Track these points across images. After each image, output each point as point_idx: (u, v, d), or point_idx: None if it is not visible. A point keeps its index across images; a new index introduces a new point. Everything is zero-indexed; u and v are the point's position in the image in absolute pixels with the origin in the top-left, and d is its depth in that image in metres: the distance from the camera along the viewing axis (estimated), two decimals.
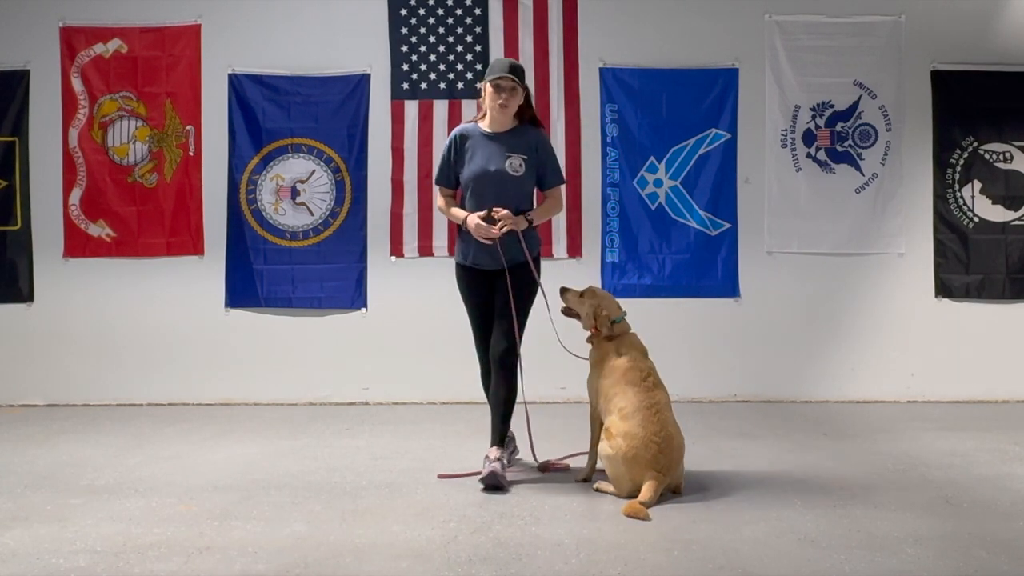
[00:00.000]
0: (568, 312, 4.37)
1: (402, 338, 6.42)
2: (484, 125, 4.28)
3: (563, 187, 4.50)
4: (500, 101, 4.16)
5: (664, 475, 3.78)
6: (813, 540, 3.33)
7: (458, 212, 4.27)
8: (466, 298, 4.36)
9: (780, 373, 6.45)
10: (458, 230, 4.36)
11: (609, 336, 4.16)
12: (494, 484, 4.00)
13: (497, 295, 4.26)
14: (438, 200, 4.46)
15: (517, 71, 4.20)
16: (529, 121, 4.30)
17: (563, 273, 6.48)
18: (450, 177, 4.32)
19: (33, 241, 6.55)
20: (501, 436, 4.22)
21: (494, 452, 4.17)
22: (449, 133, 6.43)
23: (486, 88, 4.20)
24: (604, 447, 3.91)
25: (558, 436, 5.12)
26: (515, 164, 4.21)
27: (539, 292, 4.32)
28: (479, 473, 4.10)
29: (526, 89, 4.25)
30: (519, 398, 4.26)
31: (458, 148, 4.26)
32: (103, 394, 6.46)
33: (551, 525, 3.52)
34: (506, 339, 4.18)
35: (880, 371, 6.44)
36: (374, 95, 6.51)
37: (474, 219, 4.16)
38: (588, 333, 4.27)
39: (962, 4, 6.49)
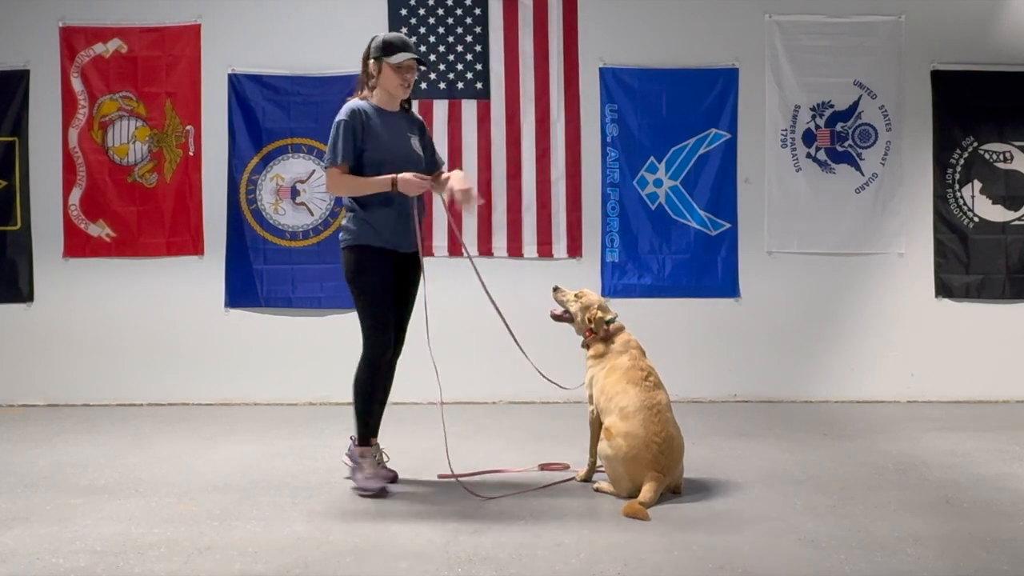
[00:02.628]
0: (559, 317, 4.34)
1: None
2: (377, 103, 4.11)
3: None
4: (404, 83, 4.08)
5: (664, 476, 3.78)
6: (813, 540, 3.33)
7: (381, 178, 3.97)
8: (377, 283, 4.03)
9: (780, 373, 6.45)
10: (361, 208, 4.03)
11: (605, 336, 4.15)
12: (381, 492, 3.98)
13: (405, 284, 4.19)
14: (339, 179, 4.01)
15: (413, 48, 4.12)
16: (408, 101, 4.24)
17: (563, 273, 6.49)
18: (354, 154, 4.00)
19: (33, 241, 6.55)
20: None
21: (370, 452, 4.08)
22: (446, 133, 6.51)
23: (384, 67, 4.04)
24: (604, 447, 3.91)
25: (558, 436, 5.12)
26: (415, 144, 4.17)
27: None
28: (479, 473, 4.10)
29: None
30: (439, 398, 4.24)
31: (364, 124, 4.01)
32: (103, 394, 6.46)
33: (551, 525, 3.52)
34: (403, 334, 4.22)
35: (880, 371, 6.44)
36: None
37: (411, 175, 3.96)
38: (581, 338, 4.25)
39: (962, 4, 6.49)
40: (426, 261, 6.44)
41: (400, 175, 3.94)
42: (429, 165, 4.25)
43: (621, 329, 4.19)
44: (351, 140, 3.98)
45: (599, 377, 4.08)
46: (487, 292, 4.27)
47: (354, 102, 4.07)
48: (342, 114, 4.02)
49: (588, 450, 4.19)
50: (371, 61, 4.07)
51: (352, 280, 4.06)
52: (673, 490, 3.91)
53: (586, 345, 4.23)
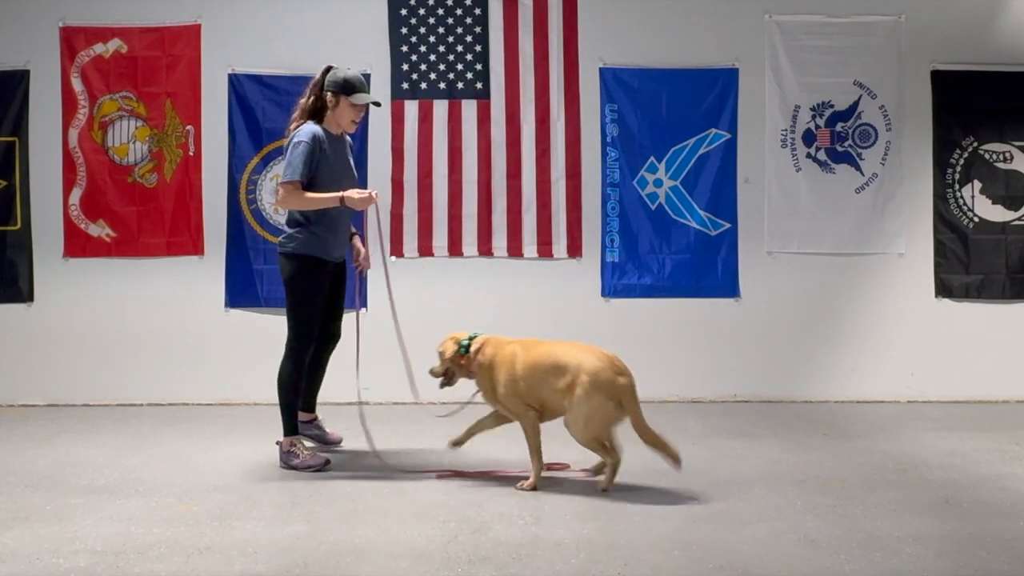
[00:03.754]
0: (443, 377, 4.35)
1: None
2: (327, 127, 4.54)
3: None
4: (357, 120, 4.59)
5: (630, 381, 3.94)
6: (813, 540, 3.33)
7: (328, 194, 4.41)
8: (315, 290, 4.56)
9: (780, 373, 6.45)
10: (310, 223, 4.49)
11: (477, 351, 4.20)
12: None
13: (338, 287, 4.74)
14: (295, 194, 4.43)
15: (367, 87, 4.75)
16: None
17: (563, 273, 6.51)
18: (308, 174, 4.43)
19: (33, 241, 6.55)
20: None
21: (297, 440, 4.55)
22: (446, 133, 6.52)
23: (342, 102, 4.49)
24: (570, 404, 3.92)
25: (558, 436, 5.12)
26: (351, 163, 4.73)
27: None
28: (479, 473, 4.11)
29: None
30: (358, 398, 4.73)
31: (321, 149, 4.46)
32: (103, 394, 6.46)
33: (551, 525, 3.52)
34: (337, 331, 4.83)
35: (880, 371, 6.44)
36: (374, 95, 6.49)
37: (358, 192, 4.41)
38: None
39: (962, 4, 6.49)
40: (426, 261, 6.55)
41: (346, 193, 4.38)
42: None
43: (486, 338, 4.25)
44: (309, 161, 4.40)
45: (501, 379, 4.10)
46: (390, 293, 4.75)
47: (313, 127, 4.46)
48: (304, 136, 4.42)
49: (533, 453, 4.11)
50: (328, 93, 4.49)
51: (292, 284, 4.55)
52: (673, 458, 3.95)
53: (472, 374, 4.25)
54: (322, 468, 4.45)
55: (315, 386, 4.88)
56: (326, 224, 4.52)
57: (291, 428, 4.54)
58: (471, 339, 4.25)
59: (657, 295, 6.49)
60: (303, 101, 4.57)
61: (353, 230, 4.80)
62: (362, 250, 4.86)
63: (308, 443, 4.73)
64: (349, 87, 4.49)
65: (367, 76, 6.46)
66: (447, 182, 6.50)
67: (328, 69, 4.55)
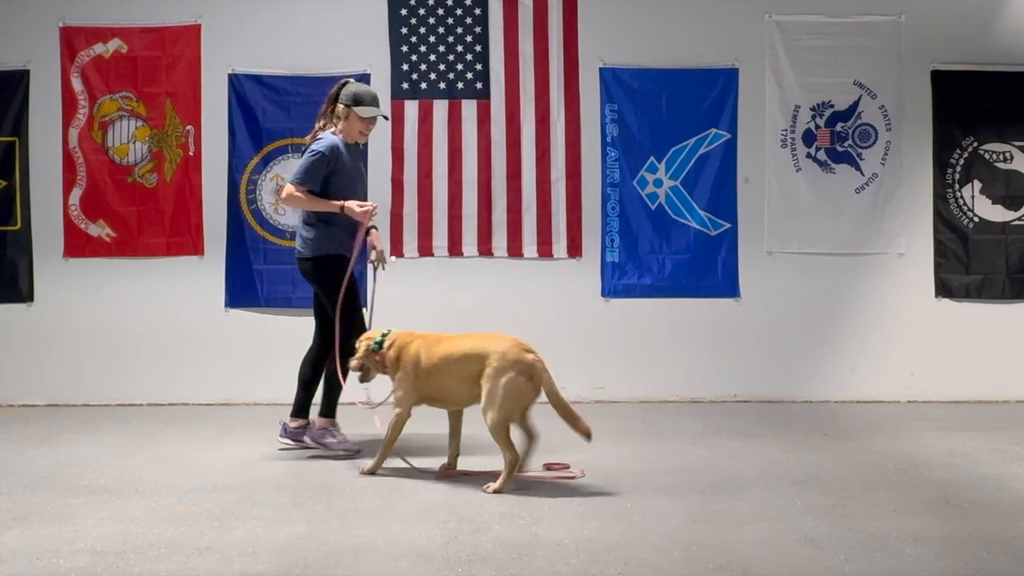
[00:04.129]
0: (362, 372, 4.42)
1: None
2: (344, 137, 4.77)
3: None
4: (366, 132, 4.83)
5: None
6: (813, 540, 3.33)
7: (333, 202, 4.66)
8: (341, 281, 4.69)
9: (780, 373, 6.45)
10: (324, 224, 4.70)
11: (390, 347, 4.30)
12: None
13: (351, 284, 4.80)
14: (297, 195, 4.65)
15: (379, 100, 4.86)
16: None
17: (563, 273, 6.51)
18: (320, 183, 4.68)
19: (33, 241, 6.55)
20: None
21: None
22: (446, 133, 6.53)
23: (352, 114, 4.72)
24: (483, 389, 4.01)
25: (558, 436, 5.12)
26: (362, 169, 5.00)
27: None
28: (479, 473, 4.11)
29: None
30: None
31: (337, 159, 4.70)
32: (103, 394, 6.46)
33: (551, 525, 3.52)
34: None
35: (880, 371, 6.44)
36: (378, 94, 6.49)
37: (359, 204, 4.67)
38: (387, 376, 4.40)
39: (962, 4, 6.49)
40: (426, 261, 6.56)
41: (347, 203, 4.64)
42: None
43: (398, 333, 4.37)
44: (322, 171, 4.65)
45: (409, 371, 4.24)
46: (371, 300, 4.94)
47: (333, 138, 4.70)
48: (322, 147, 4.66)
49: (387, 446, 4.31)
50: (341, 106, 4.73)
51: (322, 287, 4.74)
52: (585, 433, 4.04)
53: (386, 369, 4.34)
54: (354, 454, 4.74)
55: (313, 393, 4.94)
56: (338, 222, 4.70)
57: (332, 410, 4.83)
58: (384, 336, 4.36)
59: (657, 295, 6.49)
60: (322, 108, 4.85)
61: (372, 225, 4.85)
62: (377, 246, 4.93)
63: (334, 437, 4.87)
64: (357, 100, 4.72)
65: (367, 76, 6.47)
66: (447, 182, 6.51)
67: (344, 83, 4.82)
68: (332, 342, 4.69)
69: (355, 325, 4.71)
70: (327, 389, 4.83)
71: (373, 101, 4.79)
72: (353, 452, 4.77)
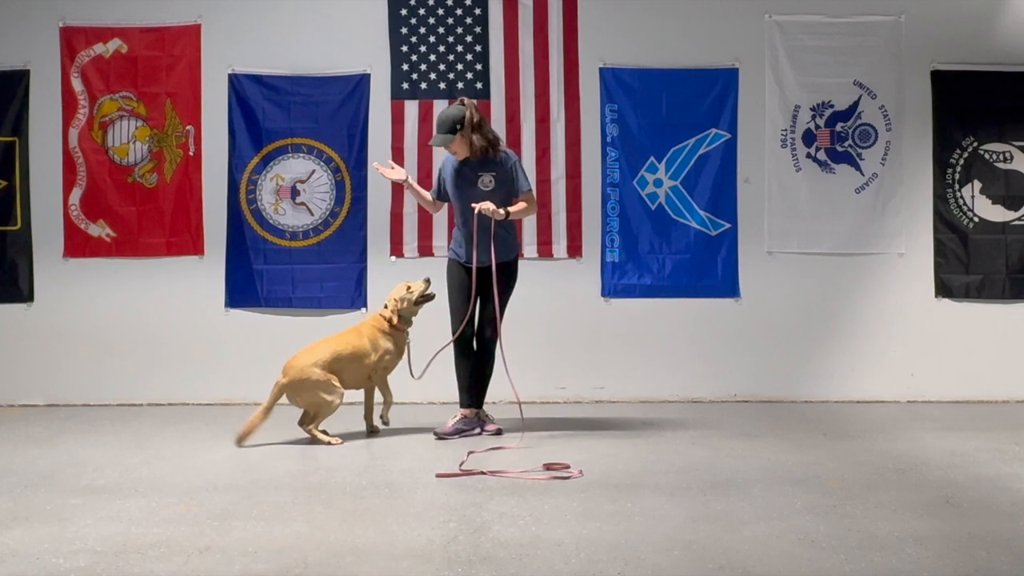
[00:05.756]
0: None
1: None
2: (457, 156, 5.20)
3: (532, 191, 5.35)
4: (448, 151, 5.21)
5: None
6: (813, 540, 3.33)
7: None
8: (452, 288, 5.32)
9: (780, 373, 6.45)
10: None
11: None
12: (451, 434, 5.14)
13: (481, 291, 5.21)
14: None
15: (446, 127, 5.05)
16: (491, 145, 5.12)
17: (563, 273, 6.51)
18: (441, 192, 5.39)
19: (33, 241, 6.55)
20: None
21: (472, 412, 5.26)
22: None
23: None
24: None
25: (558, 436, 5.12)
26: (486, 181, 5.15)
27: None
28: (480, 473, 4.11)
29: (464, 129, 5.05)
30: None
31: (444, 174, 5.31)
32: (103, 394, 6.46)
33: (551, 525, 3.52)
34: (490, 325, 5.24)
35: (880, 371, 6.44)
36: (374, 95, 6.51)
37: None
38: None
39: (962, 4, 6.49)
40: (426, 261, 6.58)
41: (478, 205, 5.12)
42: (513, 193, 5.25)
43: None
44: (439, 181, 5.41)
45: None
46: None
47: (448, 156, 5.29)
48: (442, 162, 5.39)
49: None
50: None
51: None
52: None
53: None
54: (500, 432, 5.23)
55: (474, 381, 5.33)
56: (455, 234, 5.41)
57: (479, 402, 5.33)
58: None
59: (657, 295, 6.49)
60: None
61: (407, 178, 5.41)
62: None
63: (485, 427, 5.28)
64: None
65: (367, 76, 6.48)
66: None
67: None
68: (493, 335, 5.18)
69: (452, 321, 5.35)
70: (478, 379, 5.28)
71: (438, 127, 5.14)
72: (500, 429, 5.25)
